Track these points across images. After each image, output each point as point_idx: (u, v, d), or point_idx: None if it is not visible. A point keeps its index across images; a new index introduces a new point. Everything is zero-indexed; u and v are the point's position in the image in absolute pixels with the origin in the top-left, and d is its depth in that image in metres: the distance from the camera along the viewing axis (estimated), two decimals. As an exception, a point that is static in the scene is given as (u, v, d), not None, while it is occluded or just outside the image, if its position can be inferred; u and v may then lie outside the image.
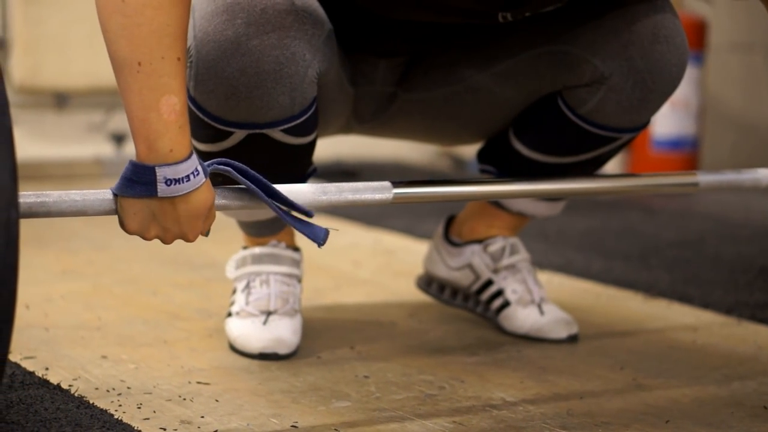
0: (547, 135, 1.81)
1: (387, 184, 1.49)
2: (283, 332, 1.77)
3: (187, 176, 1.34)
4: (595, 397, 1.61)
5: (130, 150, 3.81)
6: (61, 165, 3.82)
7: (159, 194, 1.34)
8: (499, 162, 1.89)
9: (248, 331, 1.77)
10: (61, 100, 3.89)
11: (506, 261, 1.94)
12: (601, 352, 1.83)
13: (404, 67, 1.79)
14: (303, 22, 1.56)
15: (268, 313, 1.79)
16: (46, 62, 3.78)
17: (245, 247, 1.88)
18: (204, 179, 1.36)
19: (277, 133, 1.62)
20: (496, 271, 1.94)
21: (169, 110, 1.33)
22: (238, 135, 1.62)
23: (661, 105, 1.76)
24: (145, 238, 1.38)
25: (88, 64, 3.82)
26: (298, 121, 1.62)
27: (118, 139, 3.88)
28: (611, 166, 3.98)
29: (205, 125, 1.62)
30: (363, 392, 1.60)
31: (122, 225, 1.37)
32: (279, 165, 1.66)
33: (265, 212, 1.78)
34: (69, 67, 3.82)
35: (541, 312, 1.90)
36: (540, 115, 1.81)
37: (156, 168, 1.33)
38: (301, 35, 1.56)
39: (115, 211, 1.36)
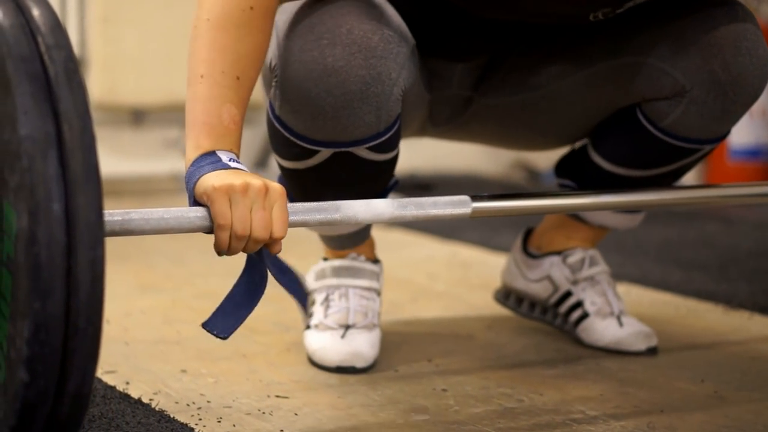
0: (628, 148, 1.80)
1: (466, 198, 1.49)
2: (361, 346, 1.77)
3: (245, 169, 1.40)
4: (676, 410, 1.59)
5: (206, 165, 3.83)
6: (138, 181, 3.86)
7: (231, 167, 1.38)
8: (578, 176, 1.88)
9: (326, 344, 1.77)
10: (137, 116, 3.93)
11: (585, 272, 1.93)
12: (682, 364, 1.81)
13: (481, 71, 1.79)
14: (389, 41, 1.56)
15: (347, 327, 1.79)
16: (123, 80, 3.82)
17: (325, 259, 1.88)
18: None
19: (362, 151, 1.62)
20: (575, 282, 1.93)
21: (230, 119, 1.42)
22: (324, 153, 1.62)
23: (742, 115, 1.74)
24: (234, 188, 1.34)
25: (164, 81, 3.86)
26: (383, 138, 1.62)
27: (194, 154, 3.91)
28: (688, 176, 3.95)
29: (290, 144, 1.62)
30: (441, 405, 1.60)
31: (209, 194, 1.35)
32: (363, 181, 1.67)
33: (347, 227, 1.79)
34: (145, 85, 3.86)
35: (620, 324, 1.88)
36: (619, 129, 1.80)
37: (216, 152, 1.40)
38: (387, 54, 1.56)
39: (207, 228, 1.36)
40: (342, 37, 1.54)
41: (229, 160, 1.39)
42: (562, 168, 1.91)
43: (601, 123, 1.82)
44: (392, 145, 1.65)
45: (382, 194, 1.75)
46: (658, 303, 2.24)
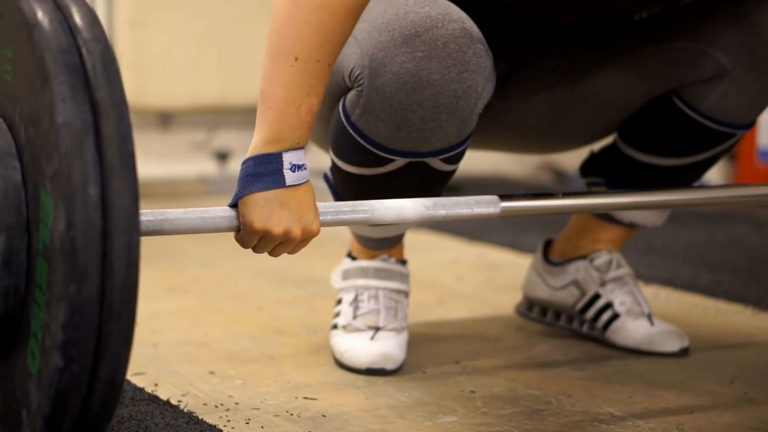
0: (663, 136, 1.79)
1: (494, 198, 1.49)
2: (391, 348, 1.77)
3: (305, 164, 1.41)
4: (705, 411, 1.59)
5: (233, 168, 3.85)
6: (166, 183, 3.87)
7: (287, 183, 1.40)
8: (608, 171, 1.87)
9: (356, 346, 1.77)
10: (165, 119, 3.94)
11: (613, 273, 1.92)
12: (711, 366, 1.80)
13: (502, 74, 1.78)
14: (480, 56, 1.54)
15: (376, 329, 1.79)
16: (151, 83, 3.84)
17: (353, 258, 1.87)
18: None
19: (436, 162, 1.61)
20: (603, 284, 1.92)
21: (308, 110, 1.41)
22: (398, 163, 1.61)
23: None
24: (272, 235, 1.40)
25: (192, 84, 3.87)
26: (458, 150, 1.61)
27: (222, 157, 3.92)
28: (716, 176, 3.93)
29: (363, 151, 1.60)
30: (469, 407, 1.60)
31: (247, 227, 1.40)
32: (424, 190, 1.64)
33: (391, 229, 1.79)
34: (173, 87, 3.87)
35: (651, 323, 1.87)
36: (653, 116, 1.79)
37: (282, 154, 1.40)
38: (478, 68, 1.54)
39: (236, 228, 1.39)
40: (438, 50, 1.52)
41: (290, 168, 1.40)
42: (589, 166, 1.90)
43: (633, 115, 1.81)
44: (462, 155, 1.64)
45: None
46: (687, 305, 2.24)
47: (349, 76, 1.57)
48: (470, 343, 1.94)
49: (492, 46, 1.61)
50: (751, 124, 1.77)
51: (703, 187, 1.76)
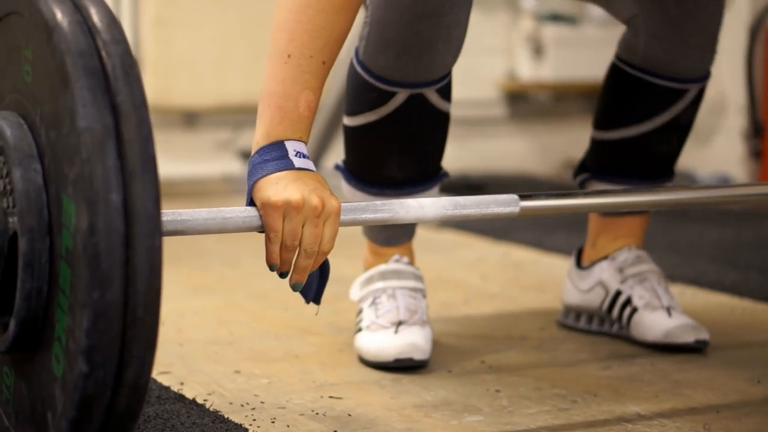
0: (620, 106, 1.91)
1: (514, 197, 1.49)
2: (417, 338, 1.77)
3: (308, 156, 1.43)
4: (732, 411, 1.58)
5: (258, 167, 3.85)
6: (190, 182, 3.89)
7: (295, 166, 1.41)
8: (590, 163, 1.96)
9: (381, 340, 1.77)
10: (190, 118, 3.96)
11: (633, 269, 1.93)
12: (738, 365, 1.80)
13: None
14: None
15: (399, 323, 1.79)
16: (176, 82, 3.85)
17: (367, 270, 1.89)
18: None
19: (432, 95, 1.71)
20: (623, 281, 1.93)
21: (306, 105, 1.44)
22: (399, 97, 1.70)
23: (709, 48, 1.84)
24: (291, 205, 1.37)
25: (217, 84, 3.88)
26: (448, 80, 1.73)
27: (246, 156, 3.93)
28: (741, 175, 3.92)
29: (368, 89, 1.70)
30: (495, 406, 1.59)
31: (267, 206, 1.38)
32: (426, 136, 1.77)
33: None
34: (198, 87, 3.88)
35: (669, 315, 1.87)
36: (608, 94, 1.93)
37: (285, 142, 1.42)
38: (464, 2, 1.65)
39: (258, 227, 1.39)
40: None
41: (296, 155, 1.42)
42: (577, 169, 1.99)
43: (599, 100, 1.95)
44: (451, 90, 1.76)
45: (435, 175, 1.81)
46: (714, 304, 2.23)
47: (365, 4, 1.69)
48: (496, 342, 1.93)
49: None
50: (697, 79, 1.86)
51: (728, 185, 1.76)
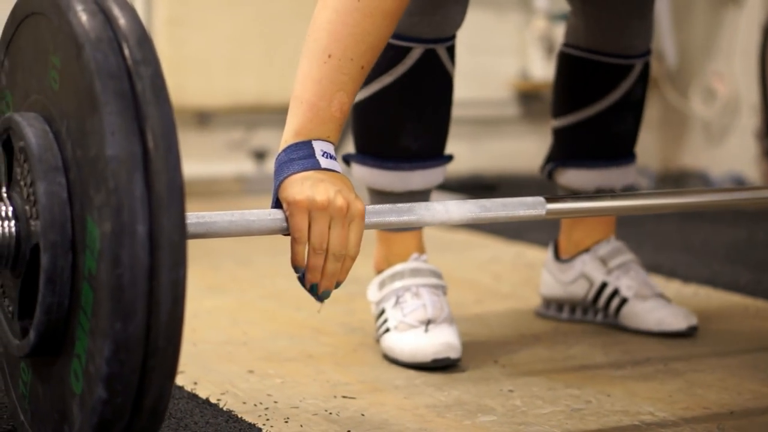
0: (572, 89, 1.97)
1: (540, 199, 1.49)
2: (450, 337, 1.78)
3: (335, 157, 1.43)
4: (746, 411, 1.58)
5: (270, 167, 3.85)
6: (204, 182, 3.88)
7: (322, 166, 1.41)
8: (552, 155, 2.02)
9: (413, 341, 1.77)
10: (203, 118, 3.96)
11: (616, 261, 2.00)
12: (752, 366, 1.79)
13: None
14: None
15: (428, 322, 1.79)
16: (189, 82, 3.85)
17: (380, 272, 1.89)
18: None
19: (443, 53, 1.79)
20: (608, 272, 1.99)
21: (338, 107, 1.44)
22: (415, 53, 1.76)
23: (645, 23, 1.92)
24: (317, 204, 1.37)
25: (230, 83, 3.88)
26: (454, 41, 1.81)
27: (260, 156, 3.93)
28: (754, 176, 3.91)
29: (385, 48, 1.69)
30: (508, 406, 1.59)
31: (292, 205, 1.38)
32: (439, 98, 1.82)
33: (415, 181, 1.85)
34: (211, 87, 3.88)
35: (660, 303, 1.94)
36: (560, 82, 2.00)
37: (312, 141, 1.42)
38: None
39: (284, 229, 1.38)
40: None
41: (323, 155, 1.42)
42: (544, 163, 2.05)
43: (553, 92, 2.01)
44: (455, 54, 1.83)
45: (443, 152, 1.85)
46: (728, 304, 2.22)
47: None
48: (509, 343, 1.93)
49: None
50: (640, 55, 1.93)
51: (742, 188, 1.77)
